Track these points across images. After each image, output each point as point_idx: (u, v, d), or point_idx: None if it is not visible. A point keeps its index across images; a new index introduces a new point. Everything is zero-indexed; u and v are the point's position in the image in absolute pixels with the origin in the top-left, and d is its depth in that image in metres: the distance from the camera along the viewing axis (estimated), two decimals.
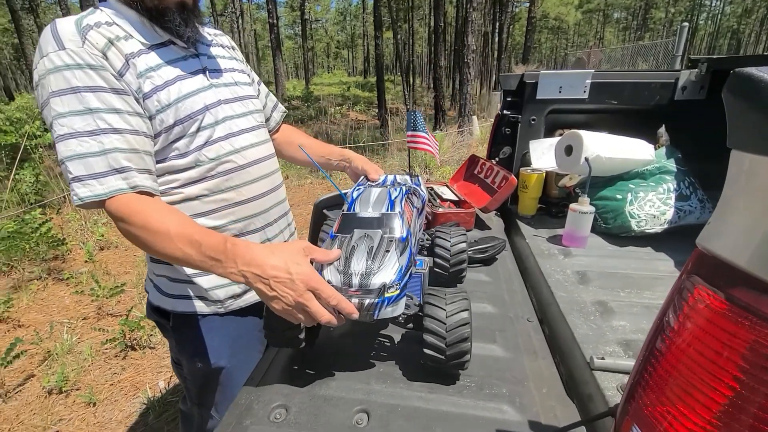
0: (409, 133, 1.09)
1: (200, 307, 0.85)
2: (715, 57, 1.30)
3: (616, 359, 0.68)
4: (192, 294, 0.85)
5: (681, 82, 1.35)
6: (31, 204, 4.01)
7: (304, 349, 0.71)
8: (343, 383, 0.67)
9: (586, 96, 1.41)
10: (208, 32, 0.91)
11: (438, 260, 0.90)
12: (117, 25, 0.73)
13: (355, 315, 0.59)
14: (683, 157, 1.23)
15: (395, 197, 0.74)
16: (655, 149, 1.24)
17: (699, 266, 0.32)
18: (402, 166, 5.97)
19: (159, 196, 0.74)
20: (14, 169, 4.06)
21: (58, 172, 4.60)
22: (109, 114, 0.68)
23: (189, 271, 0.83)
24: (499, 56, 18.60)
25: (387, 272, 0.61)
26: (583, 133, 1.17)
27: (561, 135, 1.53)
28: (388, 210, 0.71)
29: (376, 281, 0.60)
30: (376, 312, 0.61)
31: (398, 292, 0.61)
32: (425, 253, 0.94)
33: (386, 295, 0.60)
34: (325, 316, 0.59)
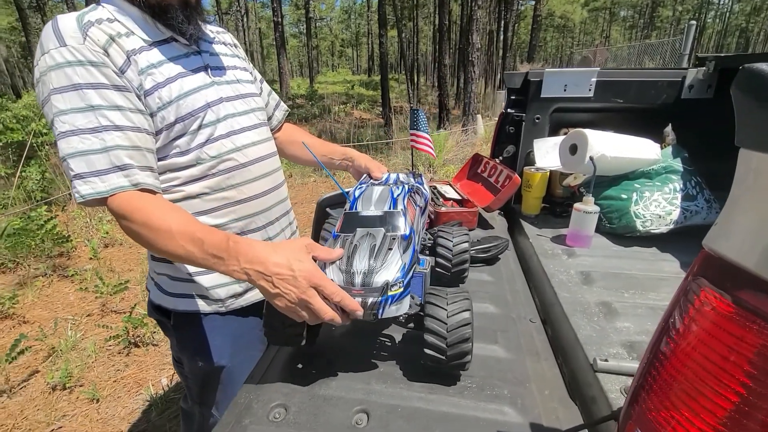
0: (412, 131, 1.08)
1: (201, 305, 0.85)
2: (722, 55, 1.28)
3: (620, 361, 0.67)
4: (193, 293, 0.85)
5: (688, 81, 1.33)
6: (37, 201, 4.04)
7: (305, 348, 0.71)
8: (343, 383, 0.67)
9: (591, 94, 1.39)
10: (211, 30, 0.90)
11: (440, 260, 0.89)
12: (118, 21, 0.72)
13: (360, 312, 0.59)
14: (690, 156, 1.22)
15: (397, 195, 0.74)
16: (662, 148, 1.23)
17: (705, 268, 0.31)
18: (406, 165, 5.96)
19: (161, 194, 0.74)
20: (21, 167, 4.09)
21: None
22: (111, 111, 0.67)
23: (190, 269, 0.83)
24: (504, 55, 18.51)
25: (390, 270, 0.60)
26: (587, 131, 1.16)
27: (565, 134, 1.52)
28: (390, 208, 0.71)
29: (379, 279, 0.59)
30: (380, 311, 0.60)
31: (401, 290, 0.60)
32: (427, 252, 0.93)
33: (389, 293, 0.59)
34: (328, 314, 0.58)
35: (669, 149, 1.23)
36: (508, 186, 1.26)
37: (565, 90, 1.41)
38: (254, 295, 0.90)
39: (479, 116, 8.55)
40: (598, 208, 1.10)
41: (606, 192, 1.21)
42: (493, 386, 0.65)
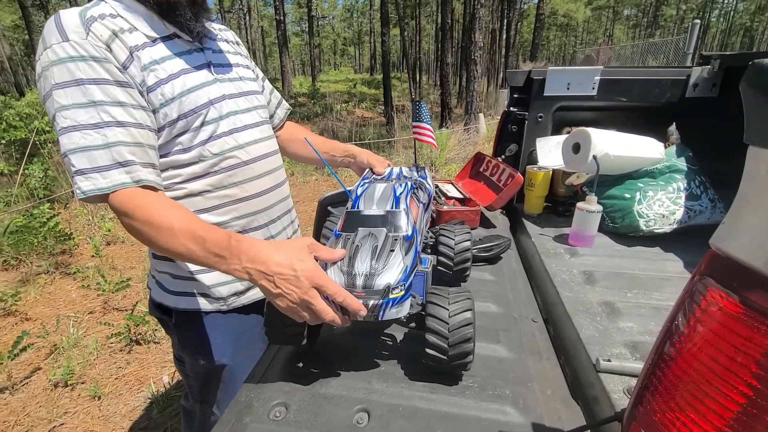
0: (415, 123, 1.07)
1: (203, 304, 0.85)
2: (727, 53, 1.27)
3: (623, 361, 0.66)
4: (195, 291, 0.85)
5: (692, 79, 1.32)
6: (40, 199, 4.06)
7: (305, 346, 0.71)
8: (344, 382, 0.66)
9: (594, 93, 1.38)
10: (213, 27, 0.90)
11: (442, 258, 0.89)
12: (121, 17, 0.72)
13: (363, 312, 0.58)
14: (694, 155, 1.21)
15: (400, 193, 0.73)
16: (665, 147, 1.22)
17: (712, 268, 0.30)
18: (408, 164, 5.95)
19: (162, 191, 0.73)
20: (23, 164, 4.10)
21: None
22: (114, 107, 0.67)
23: (192, 267, 0.83)
24: (507, 53, 18.45)
25: (391, 273, 0.60)
26: (591, 130, 1.15)
27: (568, 133, 1.51)
28: (392, 207, 0.70)
29: (381, 282, 0.59)
30: (381, 313, 0.60)
31: (403, 293, 0.60)
32: (429, 251, 0.93)
33: (391, 296, 0.59)
34: (329, 315, 0.58)
35: (673, 148, 1.22)
36: (510, 185, 1.25)
37: (568, 88, 1.40)
38: (256, 294, 0.90)
39: (481, 115, 8.53)
40: (601, 208, 1.09)
41: (609, 191, 1.20)
42: (495, 386, 0.65)
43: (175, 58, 0.75)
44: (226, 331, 0.87)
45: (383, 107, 12.71)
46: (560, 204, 1.41)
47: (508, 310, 0.87)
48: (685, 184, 1.14)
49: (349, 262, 0.62)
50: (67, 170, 0.68)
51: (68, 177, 4.33)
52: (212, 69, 0.81)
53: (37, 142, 4.64)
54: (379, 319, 0.61)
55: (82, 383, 1.94)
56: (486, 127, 8.07)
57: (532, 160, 1.49)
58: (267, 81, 1.03)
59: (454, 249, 0.88)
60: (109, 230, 3.64)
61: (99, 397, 1.85)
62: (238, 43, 0.96)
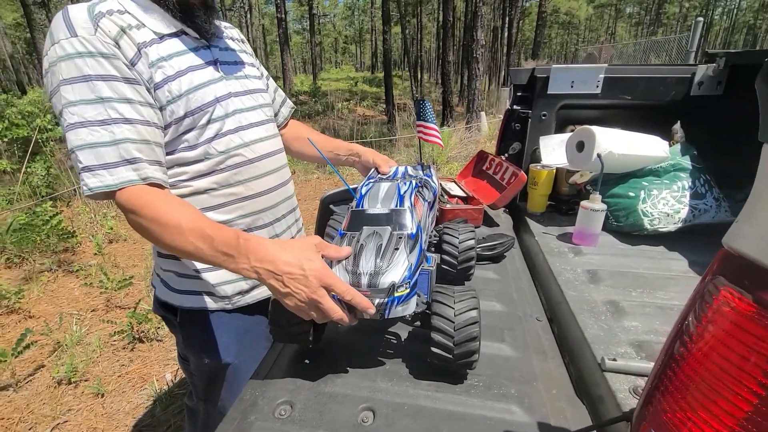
0: (419, 122, 1.07)
1: (208, 302, 0.85)
2: (733, 51, 1.26)
3: (629, 361, 0.66)
4: (200, 290, 0.84)
5: (698, 77, 1.31)
6: (43, 197, 4.06)
7: (309, 345, 0.70)
8: (349, 380, 0.66)
9: (598, 91, 1.38)
10: (219, 25, 0.90)
11: (446, 257, 0.89)
12: (129, 13, 0.72)
13: (372, 311, 0.58)
14: (699, 154, 1.20)
15: (404, 192, 0.73)
16: (670, 146, 1.21)
17: (725, 267, 0.30)
18: (409, 162, 5.94)
19: (169, 189, 0.73)
20: (26, 162, 4.11)
21: (69, 165, 4.66)
22: (121, 104, 0.67)
23: (197, 266, 0.83)
24: (509, 51, 18.39)
25: (396, 271, 0.60)
26: (595, 128, 1.15)
27: (572, 131, 1.50)
28: (397, 205, 0.70)
29: (386, 280, 0.59)
30: (386, 311, 0.60)
31: (408, 290, 0.60)
32: (432, 249, 0.93)
33: (396, 294, 0.59)
34: (337, 314, 0.58)
35: (677, 147, 1.21)
36: (514, 183, 1.25)
37: (572, 86, 1.40)
38: (260, 293, 0.90)
39: (483, 113, 8.50)
40: (605, 206, 1.09)
41: (613, 190, 1.20)
42: (500, 385, 0.65)
43: (182, 55, 0.75)
44: (230, 329, 0.87)
45: (384, 105, 12.69)
46: (563, 202, 1.41)
47: (513, 309, 0.87)
48: (690, 183, 1.14)
49: (354, 260, 0.61)
50: (75, 166, 0.68)
51: (70, 175, 4.35)
52: (219, 67, 0.81)
53: (40, 140, 4.64)
54: (385, 317, 0.61)
55: (86, 381, 1.95)
56: (488, 125, 8.05)
57: (536, 158, 1.49)
58: (271, 79, 1.03)
59: (458, 248, 0.88)
60: (112, 228, 3.65)
61: (102, 395, 1.85)
62: (243, 41, 0.96)
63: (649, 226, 1.12)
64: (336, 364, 0.70)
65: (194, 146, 0.77)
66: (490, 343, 0.74)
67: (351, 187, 0.80)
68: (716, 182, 1.17)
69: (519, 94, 1.49)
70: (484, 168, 1.54)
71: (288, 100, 1.08)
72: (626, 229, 1.16)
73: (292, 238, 0.96)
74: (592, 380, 0.68)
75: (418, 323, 0.72)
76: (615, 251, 1.10)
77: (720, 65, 1.27)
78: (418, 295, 0.68)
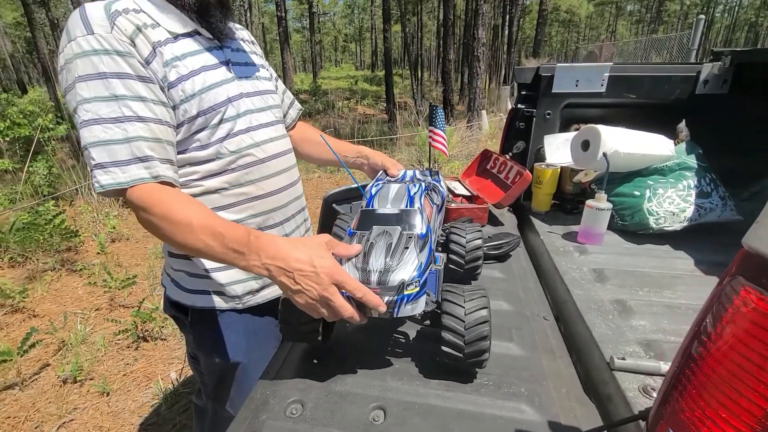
0: (431, 128, 1.07)
1: (218, 302, 0.85)
2: (739, 50, 1.26)
3: (637, 360, 0.66)
4: (210, 289, 0.85)
5: (703, 76, 1.31)
6: (45, 196, 4.07)
7: (318, 344, 0.71)
8: (359, 379, 0.67)
9: (603, 90, 1.37)
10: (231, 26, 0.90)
11: (453, 256, 0.89)
12: (144, 12, 0.72)
13: (382, 308, 0.59)
14: (704, 152, 1.20)
15: (414, 193, 0.73)
16: (675, 145, 1.21)
17: (744, 267, 0.30)
18: (410, 161, 5.94)
19: (179, 188, 0.74)
20: (28, 162, 4.12)
21: (70, 165, 4.66)
22: (135, 102, 0.67)
23: (208, 266, 0.83)
24: (509, 50, 18.35)
25: (406, 269, 0.60)
26: (600, 127, 1.15)
27: (577, 130, 1.50)
28: (407, 206, 0.70)
29: (395, 278, 0.59)
30: (396, 310, 0.60)
31: (418, 289, 0.60)
32: (440, 249, 0.93)
33: (405, 292, 0.59)
34: (348, 311, 0.58)
35: (683, 145, 1.22)
36: (518, 182, 1.25)
37: (576, 85, 1.40)
38: (270, 293, 0.90)
39: (484, 112, 8.50)
40: (610, 205, 1.09)
41: (618, 189, 1.20)
42: (509, 384, 0.65)
43: (196, 55, 0.76)
44: (240, 329, 0.88)
45: (385, 104, 12.68)
46: (568, 202, 1.41)
47: (520, 308, 0.87)
48: (696, 182, 1.14)
49: (364, 258, 0.62)
50: (87, 163, 0.68)
51: (72, 174, 4.36)
52: (230, 67, 0.82)
53: (41, 140, 4.65)
54: (395, 315, 0.61)
55: (91, 379, 1.95)
56: (488, 123, 8.04)
57: (540, 157, 1.49)
58: (280, 81, 1.03)
59: (465, 247, 0.88)
60: (114, 227, 3.66)
61: (107, 394, 1.86)
62: (253, 43, 0.96)
63: (654, 225, 1.12)
64: (345, 363, 0.70)
65: (206, 146, 0.77)
66: (498, 342, 0.74)
67: (360, 185, 0.81)
68: (722, 181, 1.17)
69: (523, 92, 1.49)
70: (488, 167, 1.54)
71: (296, 101, 1.08)
72: (631, 227, 1.17)
73: (307, 236, 0.96)
74: (601, 379, 0.68)
75: (427, 322, 0.72)
76: (620, 250, 1.10)
77: (725, 64, 1.27)
78: (428, 294, 0.68)
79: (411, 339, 0.77)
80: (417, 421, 0.59)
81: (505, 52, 18.63)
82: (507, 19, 19.03)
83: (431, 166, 1.07)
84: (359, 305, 0.60)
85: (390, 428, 0.58)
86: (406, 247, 0.63)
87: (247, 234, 0.63)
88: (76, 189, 4.17)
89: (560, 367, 0.71)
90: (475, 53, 8.44)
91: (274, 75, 1.01)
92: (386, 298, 0.59)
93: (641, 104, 1.40)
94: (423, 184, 0.79)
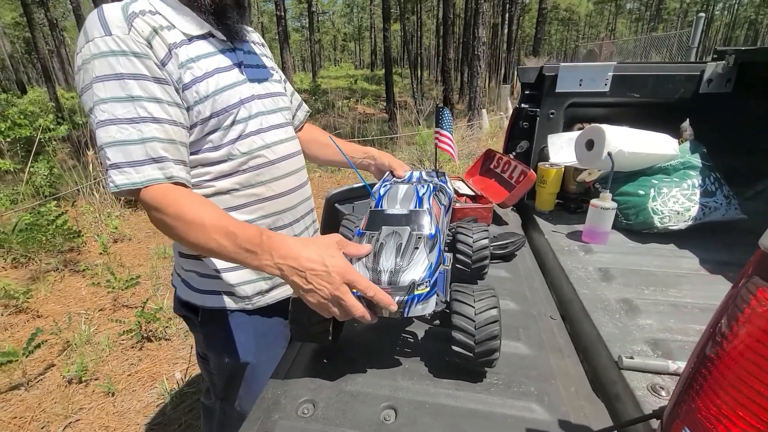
0: (437, 129, 1.08)
1: (228, 303, 0.86)
2: (743, 49, 1.26)
3: (645, 358, 0.66)
4: (220, 290, 0.85)
5: (707, 75, 1.31)
6: (46, 197, 4.07)
7: (327, 344, 0.71)
8: (369, 379, 0.67)
9: (607, 89, 1.38)
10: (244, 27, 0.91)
11: (460, 256, 0.89)
12: (160, 14, 0.73)
13: (394, 307, 0.59)
14: (708, 151, 1.21)
15: (423, 194, 0.74)
16: (679, 144, 1.21)
17: (761, 268, 0.31)
18: (411, 160, 5.94)
19: (191, 188, 0.74)
20: (30, 162, 4.12)
21: (71, 165, 4.66)
22: (150, 103, 0.68)
23: (218, 266, 0.84)
24: (509, 48, 18.34)
25: (416, 269, 0.60)
26: (605, 127, 1.15)
27: (580, 129, 1.51)
28: (416, 207, 0.70)
29: (406, 278, 0.59)
30: (407, 310, 0.60)
31: (428, 289, 0.60)
32: (446, 249, 0.93)
33: (416, 292, 0.60)
34: (359, 310, 0.59)
35: (687, 144, 1.22)
36: (523, 182, 1.25)
37: (580, 84, 1.40)
38: (279, 293, 0.91)
39: (484, 111, 8.49)
40: (615, 205, 1.09)
41: (623, 188, 1.20)
42: (519, 383, 0.65)
43: (210, 57, 0.76)
44: (249, 330, 0.88)
45: (385, 103, 12.68)
46: (571, 201, 1.41)
47: (526, 308, 0.87)
48: (700, 181, 1.14)
49: (374, 258, 0.62)
50: (103, 163, 0.69)
51: (73, 174, 4.36)
52: (243, 69, 0.82)
53: (42, 140, 4.65)
54: (405, 315, 0.62)
55: (96, 379, 1.96)
56: (489, 122, 8.04)
57: (543, 156, 1.49)
58: (289, 83, 1.04)
59: (472, 246, 0.88)
60: (116, 228, 3.66)
61: (113, 394, 1.87)
62: (263, 45, 0.97)
63: (659, 224, 1.12)
64: (355, 363, 0.70)
65: (218, 147, 0.78)
66: (506, 341, 0.74)
67: (368, 183, 0.81)
68: (726, 180, 1.17)
69: (527, 92, 1.49)
70: (491, 166, 1.54)
71: (304, 104, 1.09)
72: (636, 227, 1.17)
73: (318, 236, 0.97)
74: (608, 378, 0.69)
75: (437, 322, 0.72)
76: (625, 249, 1.10)
77: (729, 62, 1.28)
78: (437, 294, 0.69)
79: (419, 339, 0.78)
80: (428, 420, 0.59)
81: (505, 50, 18.61)
82: (507, 17, 19.01)
83: (437, 167, 1.07)
84: (370, 304, 0.61)
85: (401, 428, 0.58)
86: (416, 248, 0.63)
87: (260, 234, 0.63)
88: (78, 189, 4.17)
89: (568, 366, 0.71)
90: (476, 52, 8.43)
91: (283, 77, 1.01)
92: (397, 298, 0.60)
93: (645, 103, 1.40)
94: (431, 184, 0.80)
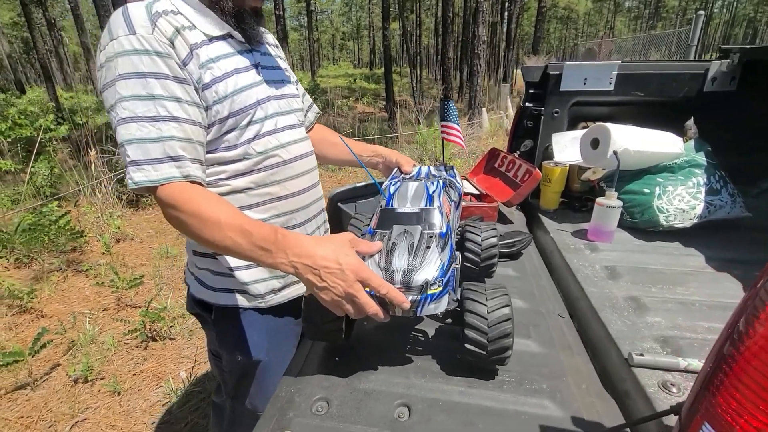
0: (443, 123, 1.08)
1: (241, 301, 0.86)
2: (747, 47, 1.26)
3: (656, 356, 0.67)
4: (234, 288, 0.86)
5: (711, 73, 1.32)
6: (46, 197, 4.07)
7: (342, 342, 0.72)
8: (382, 377, 0.68)
9: (611, 88, 1.38)
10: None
11: (468, 254, 0.90)
12: (182, 14, 0.74)
13: (407, 305, 0.60)
14: (712, 150, 1.21)
15: (433, 191, 0.74)
16: (684, 142, 1.22)
17: None
18: (412, 159, 5.93)
19: (207, 187, 0.75)
20: (32, 162, 4.11)
21: (72, 165, 4.66)
22: (170, 102, 0.69)
23: (231, 264, 0.85)
24: (508, 47, 18.32)
25: (429, 269, 0.61)
26: (610, 125, 1.15)
27: (584, 128, 1.51)
28: (426, 205, 0.71)
29: (419, 278, 0.60)
30: (419, 309, 0.61)
31: (441, 289, 0.61)
32: (454, 247, 0.94)
33: (429, 291, 0.60)
34: (372, 308, 0.59)
35: (691, 143, 1.22)
36: (528, 180, 1.26)
37: (584, 83, 1.40)
38: (290, 292, 0.92)
39: (484, 109, 8.49)
40: (621, 203, 1.10)
41: (628, 186, 1.21)
42: (531, 380, 0.66)
43: (229, 58, 0.77)
44: (262, 328, 0.89)
45: (384, 102, 12.67)
46: (575, 199, 1.42)
47: (535, 306, 0.88)
48: (705, 179, 1.15)
49: (387, 258, 0.63)
50: (122, 159, 0.70)
51: (75, 175, 4.36)
52: (259, 70, 0.83)
53: (43, 140, 4.64)
54: (418, 314, 0.62)
55: (101, 379, 1.97)
56: (489, 121, 8.04)
57: (548, 155, 1.50)
58: (300, 84, 1.05)
59: (480, 245, 0.89)
60: (118, 228, 3.66)
61: (119, 393, 1.87)
62: (277, 46, 0.98)
63: (664, 222, 1.13)
64: (367, 361, 0.71)
65: (234, 146, 0.79)
66: (516, 339, 0.74)
67: (377, 181, 0.82)
68: (730, 178, 1.18)
69: (531, 91, 1.49)
70: (496, 165, 1.55)
71: (314, 105, 1.10)
72: (641, 225, 1.18)
73: (331, 234, 0.98)
74: (618, 376, 0.69)
75: (449, 320, 0.73)
76: (631, 247, 1.11)
77: (734, 61, 1.28)
78: (449, 293, 0.69)
79: (430, 337, 0.78)
80: (442, 417, 0.60)
81: (504, 49, 18.60)
82: (505, 15, 18.99)
83: (444, 162, 1.08)
84: (382, 303, 0.61)
85: (416, 425, 0.59)
86: (428, 247, 0.64)
87: (275, 232, 0.64)
88: (79, 190, 4.17)
89: (578, 363, 0.72)
90: (476, 51, 8.43)
91: (295, 78, 1.02)
92: (410, 297, 0.60)
93: (649, 102, 1.41)
94: (440, 180, 0.80)
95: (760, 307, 0.32)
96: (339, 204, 1.52)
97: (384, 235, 0.67)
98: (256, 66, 0.83)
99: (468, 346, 0.63)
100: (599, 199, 1.11)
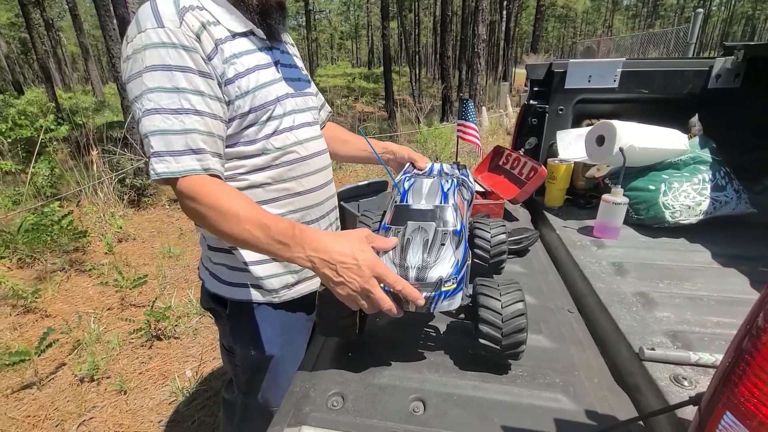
0: (460, 122, 1.09)
1: (256, 296, 0.87)
2: (752, 44, 1.27)
3: (666, 350, 0.68)
4: (248, 282, 0.87)
5: (715, 70, 1.33)
6: (47, 197, 4.07)
7: (356, 338, 0.72)
8: (396, 372, 0.68)
9: (616, 85, 1.39)
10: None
11: (477, 251, 0.90)
12: (206, 10, 0.75)
13: (421, 302, 0.60)
14: (717, 146, 1.22)
15: (448, 189, 0.74)
16: (689, 139, 1.23)
17: None
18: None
19: (224, 180, 0.76)
20: (33, 163, 4.11)
21: (72, 165, 4.65)
22: (194, 95, 0.70)
23: (246, 258, 0.85)
24: (507, 46, 18.32)
25: (444, 266, 0.61)
26: (616, 122, 1.16)
27: (588, 125, 1.52)
28: (441, 202, 0.71)
29: (433, 275, 0.60)
30: (433, 305, 0.61)
31: (455, 285, 0.61)
32: None
33: (443, 288, 0.61)
34: (387, 304, 0.60)
35: (696, 140, 1.23)
36: (534, 178, 1.26)
37: (589, 81, 1.41)
38: (304, 288, 0.92)
39: (484, 108, 8.49)
40: (627, 200, 1.10)
41: (633, 183, 1.21)
42: (543, 375, 0.67)
43: (251, 54, 0.78)
44: (276, 323, 0.90)
45: (384, 101, 12.66)
46: (580, 196, 1.42)
47: (544, 302, 0.89)
48: (710, 175, 1.16)
49: (401, 254, 0.63)
50: (146, 150, 0.71)
51: (76, 175, 4.35)
52: (279, 68, 0.85)
53: (43, 140, 4.63)
54: (432, 311, 0.63)
55: (107, 378, 1.97)
56: (489, 120, 8.04)
57: (552, 153, 1.50)
58: (313, 83, 1.06)
59: (490, 242, 0.89)
60: (121, 227, 3.66)
61: (125, 392, 1.88)
62: (293, 45, 0.99)
63: (670, 219, 1.13)
64: (380, 356, 0.71)
65: (254, 141, 0.80)
66: (528, 334, 0.76)
67: (393, 176, 0.83)
68: (735, 174, 1.19)
69: (536, 89, 1.50)
70: (500, 163, 1.55)
71: (327, 104, 1.11)
72: (647, 221, 1.18)
73: (346, 230, 0.99)
74: (629, 370, 0.70)
75: (462, 315, 0.73)
76: (637, 244, 1.12)
77: (738, 58, 1.29)
78: (462, 290, 0.70)
79: (442, 333, 0.79)
80: (457, 411, 0.61)
81: (503, 48, 18.59)
82: (504, 14, 18.99)
83: (457, 161, 1.08)
84: (396, 298, 0.62)
85: (431, 419, 0.60)
86: (443, 244, 0.64)
87: (292, 227, 0.65)
88: (80, 190, 4.17)
89: (589, 358, 0.73)
90: (475, 49, 8.43)
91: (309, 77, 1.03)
92: (424, 294, 0.61)
93: (654, 99, 1.41)
94: (454, 178, 0.81)
95: None
96: (342, 203, 1.52)
97: (398, 231, 0.68)
98: (276, 63, 0.84)
99: (482, 341, 0.64)
100: (605, 196, 1.12)
